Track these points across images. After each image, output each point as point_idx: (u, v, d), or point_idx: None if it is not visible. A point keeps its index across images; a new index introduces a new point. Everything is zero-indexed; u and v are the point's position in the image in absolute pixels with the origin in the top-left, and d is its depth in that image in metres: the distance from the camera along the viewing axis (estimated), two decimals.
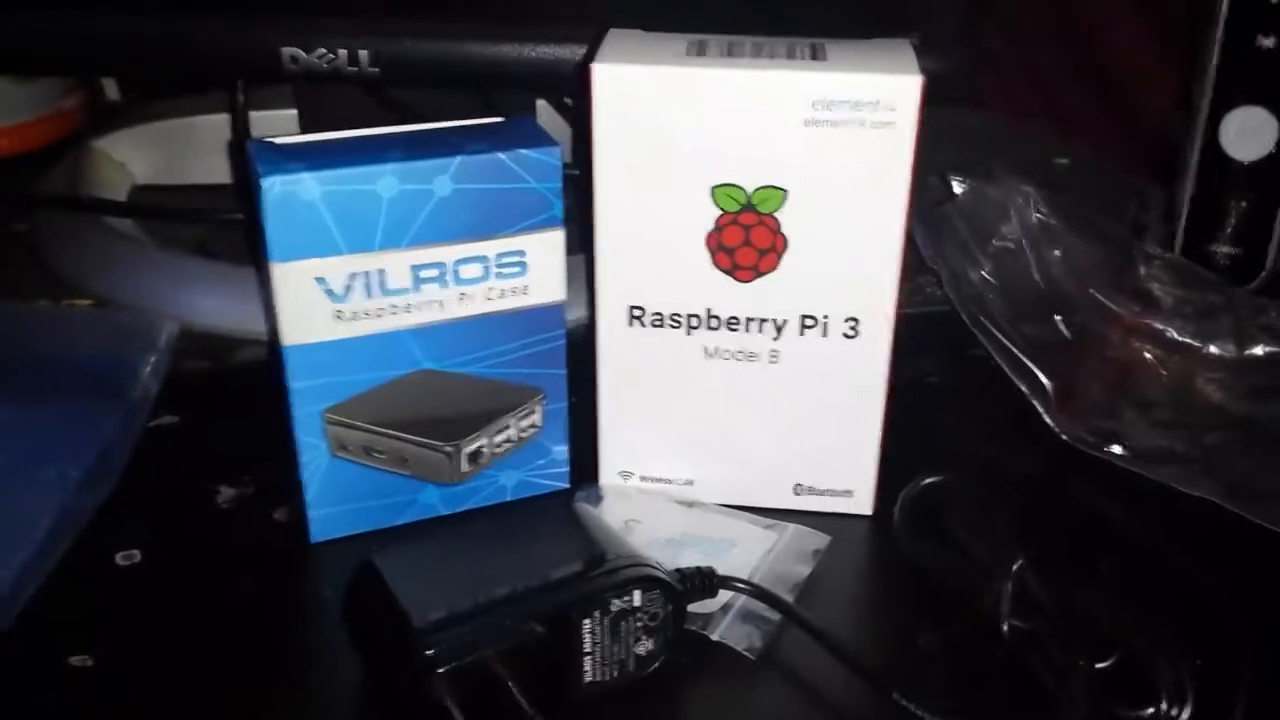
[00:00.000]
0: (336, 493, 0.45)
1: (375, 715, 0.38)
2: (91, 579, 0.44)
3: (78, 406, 0.49)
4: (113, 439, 0.49)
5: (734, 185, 0.42)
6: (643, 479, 0.48)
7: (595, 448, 0.47)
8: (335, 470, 0.44)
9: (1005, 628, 0.40)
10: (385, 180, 0.41)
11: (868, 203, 0.42)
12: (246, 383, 0.56)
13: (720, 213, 0.42)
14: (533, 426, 0.47)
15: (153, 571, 0.44)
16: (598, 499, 0.47)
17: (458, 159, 0.41)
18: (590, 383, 0.46)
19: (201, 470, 0.49)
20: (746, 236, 0.43)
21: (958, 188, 0.54)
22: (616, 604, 0.37)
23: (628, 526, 0.45)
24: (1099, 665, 0.38)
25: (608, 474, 0.48)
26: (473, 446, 0.45)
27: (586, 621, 0.37)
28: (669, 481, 0.47)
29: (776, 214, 0.42)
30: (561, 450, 0.48)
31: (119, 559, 0.44)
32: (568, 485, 0.48)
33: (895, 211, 0.42)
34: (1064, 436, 0.50)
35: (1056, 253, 0.52)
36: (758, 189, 0.42)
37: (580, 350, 0.46)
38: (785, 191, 0.42)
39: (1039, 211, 0.52)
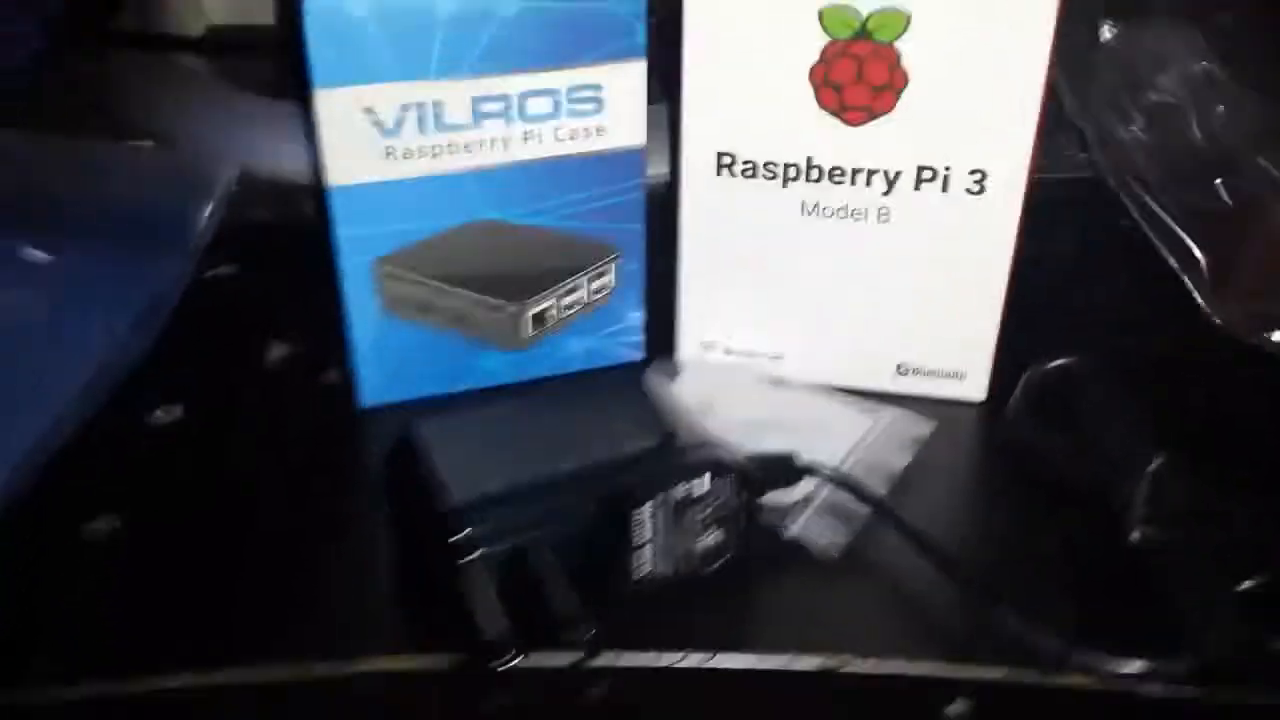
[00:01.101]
0: (389, 354, 0.43)
1: (407, 599, 0.37)
2: (129, 433, 0.43)
3: (130, 254, 0.49)
4: (163, 291, 0.48)
5: (846, 7, 0.38)
6: (726, 351, 0.45)
7: (674, 317, 0.45)
8: (387, 329, 0.43)
9: (1136, 535, 0.37)
10: None
11: (1006, 33, 0.38)
12: (311, 234, 0.54)
13: (829, 41, 0.39)
14: (605, 288, 0.44)
15: (192, 428, 0.43)
16: (674, 373, 0.45)
17: None
18: (670, 243, 0.44)
19: (254, 326, 0.48)
20: (859, 70, 0.39)
21: (1107, 32, 0.51)
22: (681, 490, 0.35)
23: (705, 405, 0.43)
24: (1243, 586, 0.36)
25: (687, 345, 0.46)
26: (538, 308, 0.44)
27: (646, 507, 0.35)
28: (755, 355, 0.45)
29: (896, 44, 0.39)
30: (637, 316, 0.46)
31: (160, 414, 0.44)
32: (642, 356, 0.46)
33: (1039, 45, 0.38)
34: (1217, 320, 0.47)
35: (1221, 109, 0.49)
36: (874, 13, 0.38)
37: (660, 209, 0.44)
38: (908, 16, 0.38)
39: (1203, 61, 0.49)
